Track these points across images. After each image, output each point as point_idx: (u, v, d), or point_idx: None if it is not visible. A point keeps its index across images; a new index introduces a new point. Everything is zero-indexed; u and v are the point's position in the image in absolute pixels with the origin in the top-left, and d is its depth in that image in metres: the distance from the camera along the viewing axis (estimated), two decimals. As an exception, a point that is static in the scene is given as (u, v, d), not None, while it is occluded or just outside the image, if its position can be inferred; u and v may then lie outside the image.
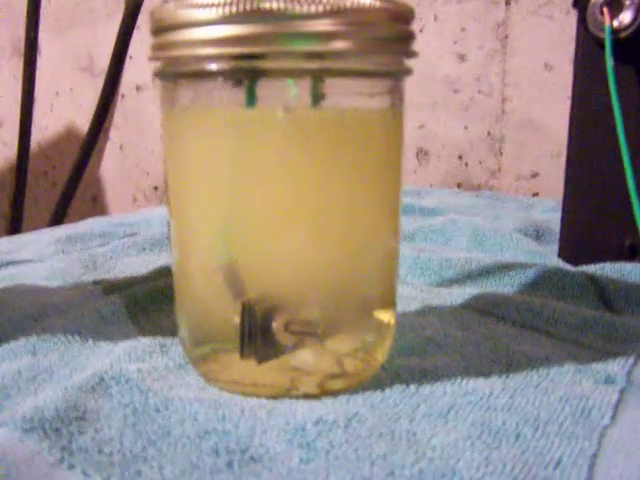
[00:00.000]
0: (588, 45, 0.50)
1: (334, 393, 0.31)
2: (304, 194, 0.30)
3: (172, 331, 0.37)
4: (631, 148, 0.46)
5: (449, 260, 0.49)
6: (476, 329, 0.39)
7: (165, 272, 0.46)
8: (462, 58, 0.93)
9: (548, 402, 0.31)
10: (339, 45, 0.28)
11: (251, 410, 0.29)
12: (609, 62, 0.46)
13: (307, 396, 0.31)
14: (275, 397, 0.30)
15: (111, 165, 1.39)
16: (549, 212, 0.72)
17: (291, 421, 0.28)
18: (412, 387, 0.32)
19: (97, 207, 1.42)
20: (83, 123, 1.34)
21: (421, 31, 0.94)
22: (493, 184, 0.93)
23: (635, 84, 0.49)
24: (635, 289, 0.43)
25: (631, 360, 0.35)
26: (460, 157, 0.94)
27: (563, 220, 0.53)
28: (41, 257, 0.55)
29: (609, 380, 0.33)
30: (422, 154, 0.96)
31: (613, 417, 0.30)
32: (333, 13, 0.27)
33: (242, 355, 0.30)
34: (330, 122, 0.29)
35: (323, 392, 0.31)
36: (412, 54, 0.30)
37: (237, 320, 0.30)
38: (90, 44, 1.35)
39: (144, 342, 0.36)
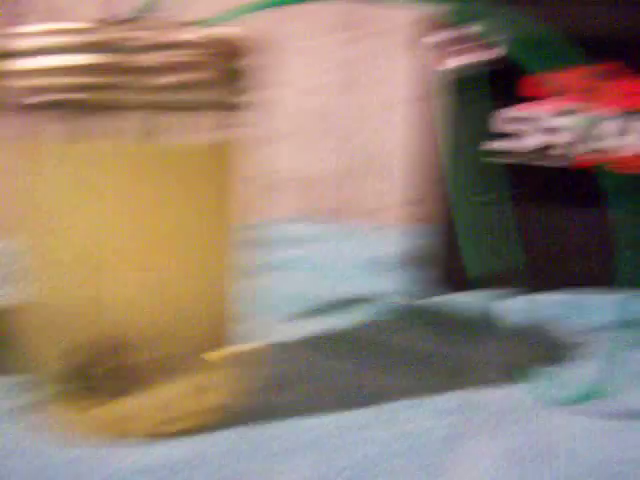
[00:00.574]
0: (429, 83, 0.51)
1: (166, 438, 0.30)
2: (131, 230, 0.29)
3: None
4: (465, 185, 0.47)
5: (293, 295, 0.49)
6: (319, 365, 0.39)
7: None
8: (318, 91, 0.94)
9: (387, 439, 0.31)
10: (168, 79, 0.27)
11: (77, 459, 0.28)
12: (445, 102, 0.48)
13: (137, 443, 0.29)
14: (103, 445, 0.29)
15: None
16: (396, 242, 0.73)
17: (118, 469, 0.27)
18: (251, 427, 0.31)
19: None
20: None
21: (278, 64, 0.94)
22: (347, 215, 0.94)
23: (468, 121, 0.51)
24: (472, 321, 0.45)
25: (466, 392, 0.36)
26: (316, 187, 0.95)
27: (409, 253, 0.54)
28: None
29: (446, 414, 0.34)
30: (275, 185, 0.96)
31: (447, 450, 0.30)
32: (161, 47, 0.27)
33: (66, 402, 0.29)
34: (159, 156, 0.29)
35: (154, 438, 0.30)
36: (245, 89, 0.30)
37: (60, 365, 0.29)
38: None
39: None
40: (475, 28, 0.30)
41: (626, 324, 0.30)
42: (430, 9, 0.45)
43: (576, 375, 0.38)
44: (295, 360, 0.39)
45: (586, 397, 0.34)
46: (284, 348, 0.41)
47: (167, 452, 0.29)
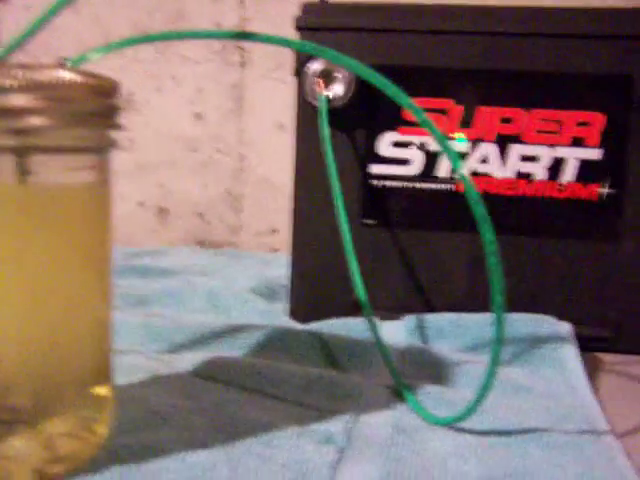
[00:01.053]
0: (307, 111, 0.52)
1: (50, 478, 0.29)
2: (6, 271, 0.28)
3: None
4: (348, 209, 0.48)
5: (180, 325, 0.48)
6: (203, 397, 0.38)
7: None
8: (199, 117, 0.94)
9: (270, 470, 0.31)
10: (38, 121, 0.27)
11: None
12: (325, 129, 0.48)
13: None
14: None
15: None
16: (285, 268, 0.73)
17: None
18: (132, 466, 0.30)
19: None
20: None
21: (158, 91, 0.94)
22: (234, 241, 0.94)
23: (347, 148, 0.52)
24: (357, 344, 0.45)
25: (351, 417, 0.36)
26: (200, 215, 0.94)
27: (292, 277, 0.54)
28: None
29: (330, 440, 0.34)
30: (162, 213, 0.95)
31: (332, 478, 0.31)
32: (31, 88, 0.27)
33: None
34: (34, 198, 0.28)
35: (40, 478, 0.29)
36: (116, 128, 0.30)
37: None
38: None
39: None
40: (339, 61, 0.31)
41: (500, 343, 0.31)
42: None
43: (457, 394, 0.39)
44: (181, 392, 0.39)
45: (465, 415, 0.35)
46: (172, 380, 0.40)
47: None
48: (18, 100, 0.26)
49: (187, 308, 0.57)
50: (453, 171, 0.52)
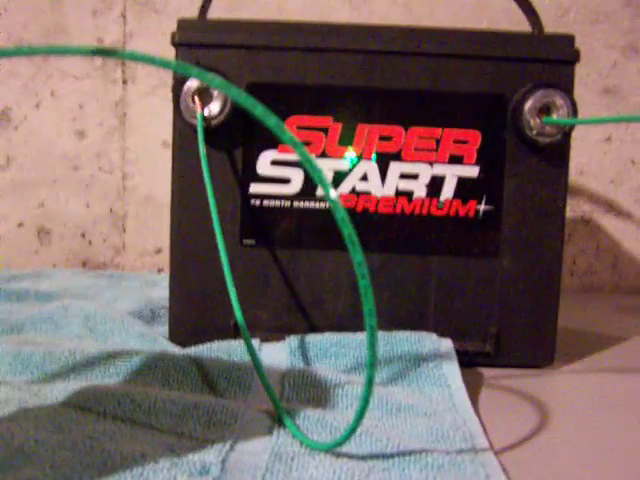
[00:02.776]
0: (184, 129, 0.51)
1: None
2: None
3: None
4: (228, 229, 0.47)
5: (52, 353, 0.46)
6: (74, 429, 0.36)
7: None
8: (81, 135, 0.91)
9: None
10: None
11: None
12: (202, 148, 0.47)
13: None
14: None
15: None
16: (158, 291, 0.72)
17: None
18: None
19: None
20: None
21: (37, 107, 0.90)
22: (118, 262, 0.92)
23: (226, 166, 0.51)
24: (236, 368, 0.44)
25: (227, 446, 0.35)
26: (83, 235, 0.91)
27: (170, 299, 0.53)
28: None
29: (204, 471, 0.33)
30: (43, 233, 0.91)
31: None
32: None
33: None
34: None
35: None
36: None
37: None
38: None
39: None
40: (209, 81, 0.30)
41: (373, 365, 0.31)
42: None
43: (337, 417, 0.39)
44: (49, 426, 0.37)
45: (343, 439, 0.34)
46: (41, 412, 0.38)
47: None
48: None
49: (63, 333, 0.55)
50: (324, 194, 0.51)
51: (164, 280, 0.76)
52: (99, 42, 0.90)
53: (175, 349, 0.49)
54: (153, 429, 0.37)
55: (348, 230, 0.27)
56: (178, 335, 0.53)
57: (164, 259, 0.91)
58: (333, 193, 0.28)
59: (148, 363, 0.45)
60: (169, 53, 0.50)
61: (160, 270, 0.91)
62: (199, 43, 0.51)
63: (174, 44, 0.51)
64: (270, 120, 0.27)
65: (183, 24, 0.52)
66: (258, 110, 0.27)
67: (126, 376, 0.44)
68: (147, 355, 0.46)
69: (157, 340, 0.52)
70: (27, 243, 0.92)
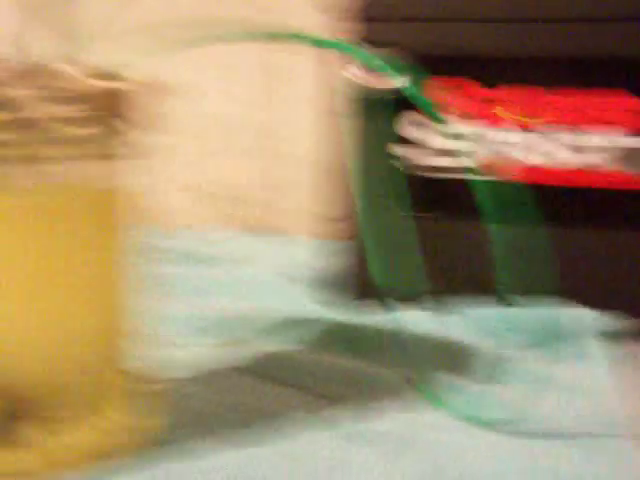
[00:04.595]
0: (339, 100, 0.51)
1: (65, 467, 0.29)
2: (22, 266, 0.29)
3: None
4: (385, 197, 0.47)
5: (222, 317, 0.49)
6: (237, 391, 0.39)
7: None
8: (239, 102, 0.93)
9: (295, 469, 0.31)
10: (65, 131, 0.27)
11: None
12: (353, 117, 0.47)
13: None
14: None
15: None
16: (312, 258, 0.73)
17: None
18: (160, 465, 0.30)
19: None
20: None
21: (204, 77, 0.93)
22: (278, 225, 0.94)
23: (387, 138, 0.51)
24: (378, 335, 0.45)
25: (369, 411, 0.36)
26: (242, 199, 0.94)
27: (343, 263, 0.53)
28: None
29: (354, 437, 0.34)
30: (205, 196, 0.95)
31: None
32: (56, 100, 0.27)
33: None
34: (49, 202, 0.29)
35: (51, 467, 0.29)
36: (142, 133, 0.30)
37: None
38: None
39: None
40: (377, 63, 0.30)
41: (548, 340, 0.30)
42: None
43: (496, 394, 0.38)
44: (216, 387, 0.39)
45: (508, 419, 0.34)
46: (210, 375, 0.41)
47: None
48: (41, 111, 0.27)
49: (218, 300, 0.57)
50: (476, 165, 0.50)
51: (311, 249, 0.76)
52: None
53: (331, 316, 0.50)
54: (303, 390, 0.39)
55: (519, 203, 0.27)
56: (333, 302, 0.53)
57: (311, 230, 0.92)
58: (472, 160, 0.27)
59: (305, 330, 0.46)
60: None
61: (306, 240, 0.92)
62: (388, 18, 0.51)
63: (364, 19, 0.51)
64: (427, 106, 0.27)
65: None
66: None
67: (284, 342, 0.46)
68: (304, 322, 0.47)
69: (307, 303, 0.53)
70: (190, 204, 0.95)
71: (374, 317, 0.49)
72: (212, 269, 0.64)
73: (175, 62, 0.92)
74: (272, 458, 0.31)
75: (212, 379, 0.40)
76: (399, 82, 0.34)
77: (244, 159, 0.94)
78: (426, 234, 0.51)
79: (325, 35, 0.28)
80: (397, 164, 0.51)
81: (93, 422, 0.30)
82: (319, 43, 0.27)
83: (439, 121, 0.24)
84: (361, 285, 0.53)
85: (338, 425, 0.34)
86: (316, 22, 0.50)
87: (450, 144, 0.51)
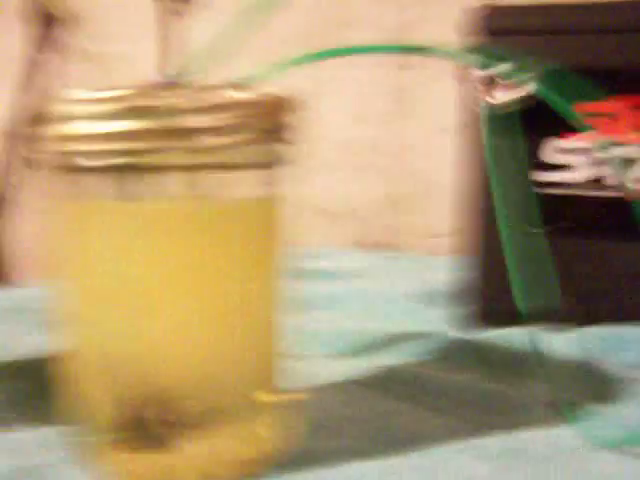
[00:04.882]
0: (474, 114, 0.51)
1: (214, 475, 0.30)
2: (181, 284, 0.30)
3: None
4: (509, 215, 0.47)
5: (338, 331, 0.49)
6: (361, 405, 0.39)
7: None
8: (360, 120, 0.94)
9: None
10: (211, 140, 0.28)
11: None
12: (486, 137, 0.47)
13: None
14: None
15: None
16: (444, 274, 0.72)
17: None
18: (299, 475, 0.31)
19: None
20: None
21: (319, 94, 0.95)
22: (393, 243, 0.94)
23: (509, 155, 0.51)
24: (518, 357, 0.44)
25: (510, 433, 0.36)
26: (361, 217, 0.95)
27: (476, 281, 0.53)
28: None
29: (487, 457, 0.33)
30: (323, 214, 0.96)
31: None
32: (205, 110, 0.28)
33: (116, 451, 0.30)
34: (206, 214, 0.30)
35: (201, 475, 0.30)
36: (287, 143, 0.31)
37: (111, 410, 0.30)
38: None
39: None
40: (505, 68, 0.30)
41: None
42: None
43: (626, 415, 0.38)
44: (339, 400, 0.39)
45: (636, 439, 0.33)
46: (330, 387, 0.41)
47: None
48: (192, 121, 0.28)
49: (344, 313, 0.57)
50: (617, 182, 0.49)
51: (442, 265, 0.76)
52: (377, 30, 0.92)
53: (456, 333, 0.50)
54: (434, 411, 0.39)
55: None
56: (464, 320, 0.53)
57: (439, 243, 0.92)
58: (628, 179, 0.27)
59: (429, 346, 0.46)
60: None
61: (438, 256, 0.92)
62: (510, 30, 0.50)
63: (488, 32, 0.51)
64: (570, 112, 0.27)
65: (491, 10, 0.51)
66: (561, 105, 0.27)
67: (408, 357, 0.46)
68: (428, 338, 0.47)
69: (437, 324, 0.53)
70: (308, 223, 0.97)
71: (501, 335, 0.48)
72: (337, 285, 0.65)
73: (303, 81, 0.94)
74: (411, 473, 0.32)
75: (343, 392, 0.40)
76: (531, 88, 0.34)
77: (371, 178, 0.95)
78: (570, 255, 0.50)
79: (459, 48, 0.28)
80: (536, 187, 0.51)
81: (242, 433, 0.32)
82: (453, 55, 0.27)
83: (581, 126, 0.24)
84: (495, 304, 0.52)
85: (480, 447, 0.34)
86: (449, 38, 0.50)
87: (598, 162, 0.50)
